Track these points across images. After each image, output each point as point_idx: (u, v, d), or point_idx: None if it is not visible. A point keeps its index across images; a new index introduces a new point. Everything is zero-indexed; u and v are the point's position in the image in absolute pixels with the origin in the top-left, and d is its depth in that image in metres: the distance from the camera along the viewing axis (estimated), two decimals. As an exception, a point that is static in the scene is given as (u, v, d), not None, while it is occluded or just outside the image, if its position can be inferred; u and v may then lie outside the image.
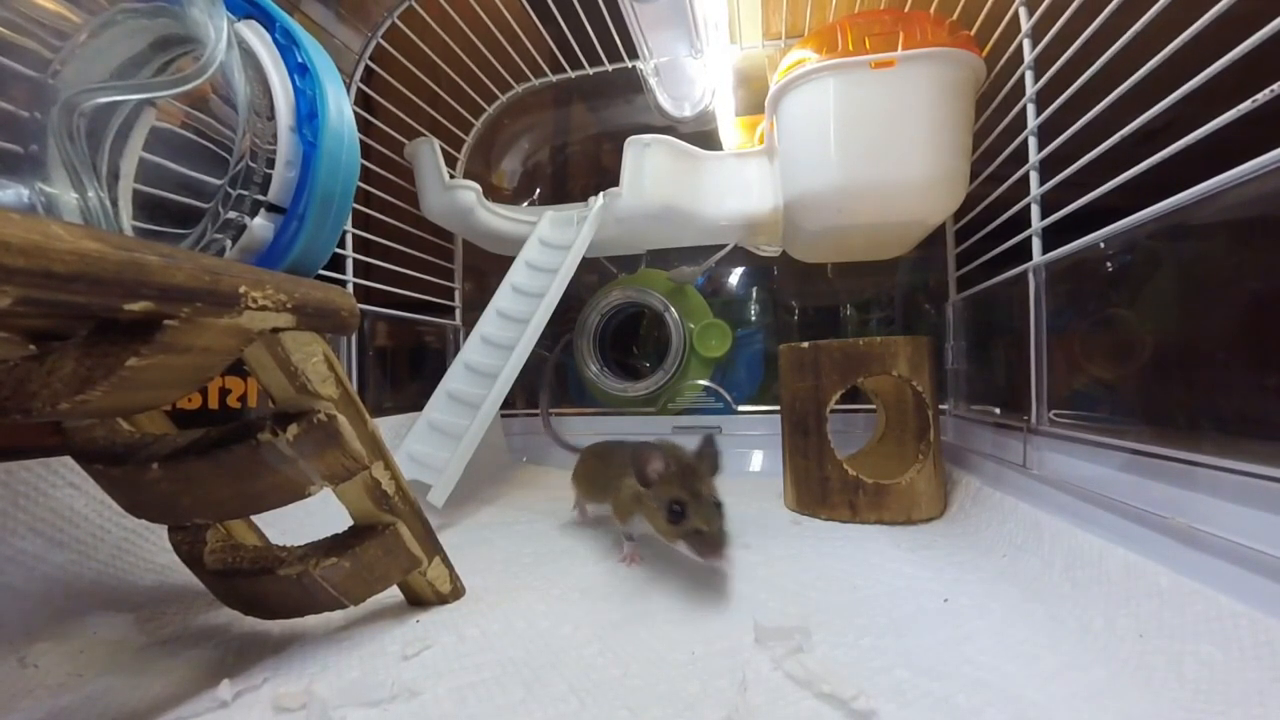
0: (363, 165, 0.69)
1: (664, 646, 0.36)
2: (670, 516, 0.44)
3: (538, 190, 1.21)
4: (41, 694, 0.32)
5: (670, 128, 0.99)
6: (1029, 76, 0.62)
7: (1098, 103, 0.50)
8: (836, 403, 0.65)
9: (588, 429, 1.04)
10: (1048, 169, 0.59)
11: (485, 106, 1.05)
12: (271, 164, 0.41)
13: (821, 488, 0.65)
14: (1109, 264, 0.51)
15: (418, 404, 0.72)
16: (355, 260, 0.83)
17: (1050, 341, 0.58)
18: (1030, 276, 0.59)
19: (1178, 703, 0.29)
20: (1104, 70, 0.49)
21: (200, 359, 0.29)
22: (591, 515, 0.67)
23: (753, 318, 1.10)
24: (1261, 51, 0.34)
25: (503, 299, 0.78)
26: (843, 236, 0.82)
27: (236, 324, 0.29)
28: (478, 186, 0.88)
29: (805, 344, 0.67)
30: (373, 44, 0.89)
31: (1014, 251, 0.64)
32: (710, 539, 0.43)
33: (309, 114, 0.42)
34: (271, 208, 0.42)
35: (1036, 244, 0.59)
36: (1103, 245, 0.50)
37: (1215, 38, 0.37)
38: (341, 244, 0.81)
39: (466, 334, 0.81)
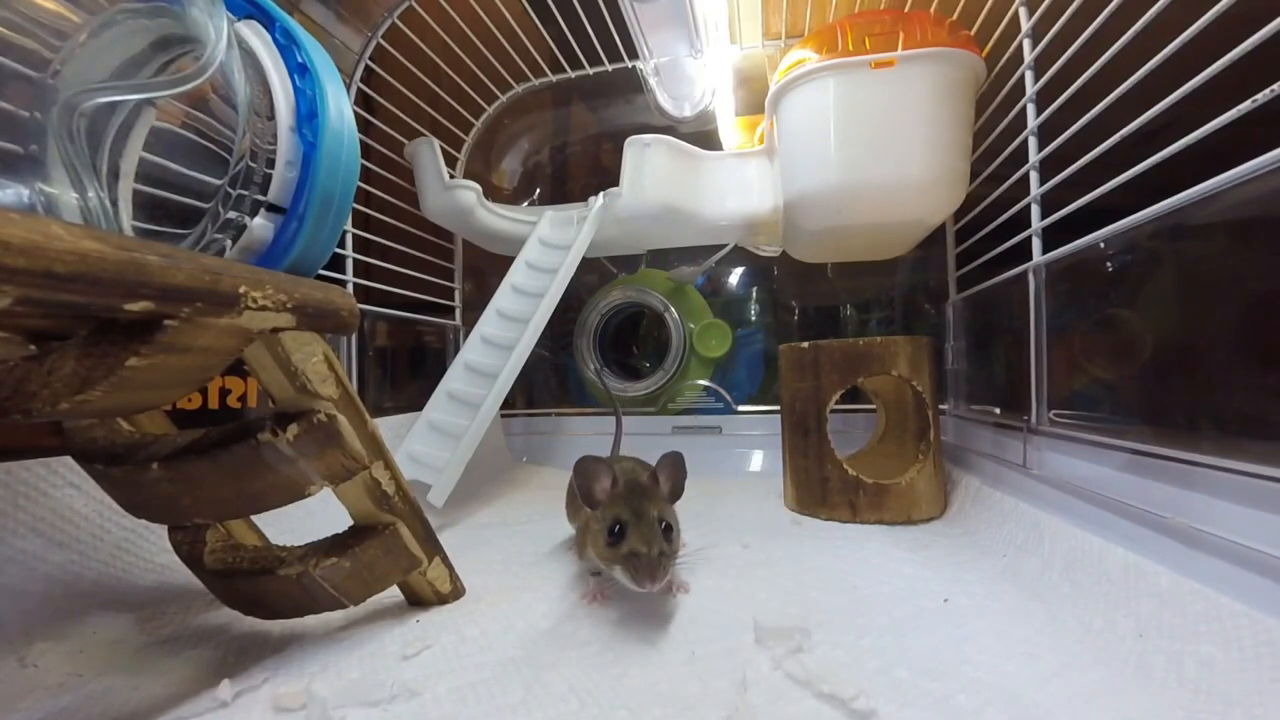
0: (363, 165, 0.69)
1: (664, 646, 0.36)
2: (610, 538, 0.39)
3: (538, 190, 1.21)
4: (41, 694, 0.32)
5: (670, 128, 0.99)
6: (1029, 76, 0.62)
7: (1098, 103, 0.50)
8: (836, 403, 0.65)
9: (587, 429, 1.04)
10: (1048, 169, 0.59)
11: (485, 106, 1.05)
12: (271, 164, 0.41)
13: (821, 488, 0.65)
14: (1109, 264, 0.51)
15: (418, 404, 0.72)
16: (355, 260, 0.83)
17: (1050, 341, 0.58)
18: (1030, 276, 0.59)
19: (1178, 703, 0.29)
20: (1104, 70, 0.49)
21: (200, 359, 0.29)
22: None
23: (753, 318, 1.10)
24: (1261, 51, 0.34)
25: (503, 299, 0.78)
26: (843, 236, 0.82)
27: (236, 324, 0.29)
28: (478, 186, 0.88)
29: (805, 344, 0.67)
30: (373, 44, 0.88)
31: (1014, 251, 0.64)
32: (645, 562, 0.37)
33: (309, 114, 0.42)
34: (271, 208, 0.42)
35: (1036, 244, 0.59)
36: (1103, 245, 0.50)
37: (1215, 38, 0.37)
38: (341, 244, 0.81)
39: (466, 334, 0.81)
